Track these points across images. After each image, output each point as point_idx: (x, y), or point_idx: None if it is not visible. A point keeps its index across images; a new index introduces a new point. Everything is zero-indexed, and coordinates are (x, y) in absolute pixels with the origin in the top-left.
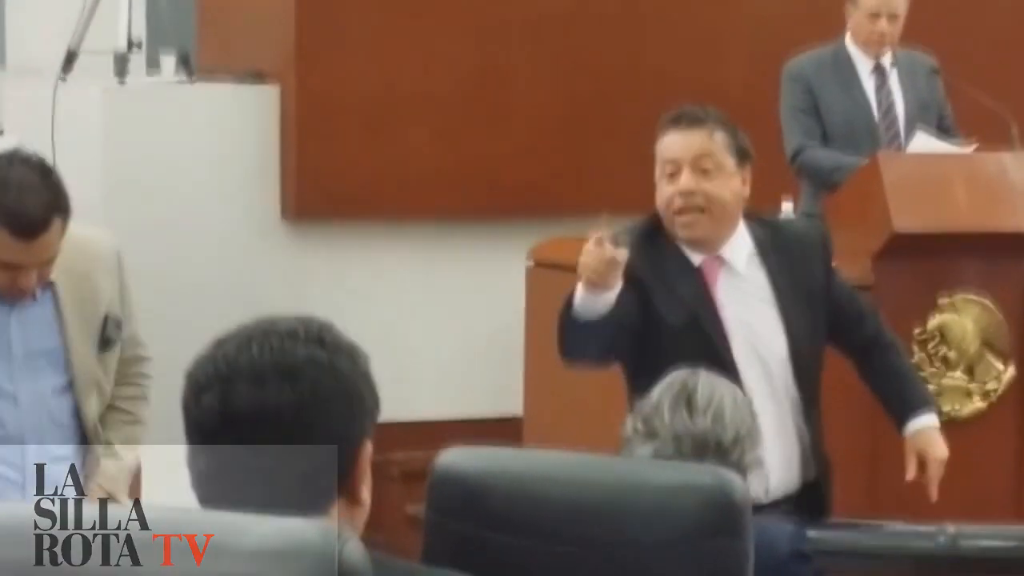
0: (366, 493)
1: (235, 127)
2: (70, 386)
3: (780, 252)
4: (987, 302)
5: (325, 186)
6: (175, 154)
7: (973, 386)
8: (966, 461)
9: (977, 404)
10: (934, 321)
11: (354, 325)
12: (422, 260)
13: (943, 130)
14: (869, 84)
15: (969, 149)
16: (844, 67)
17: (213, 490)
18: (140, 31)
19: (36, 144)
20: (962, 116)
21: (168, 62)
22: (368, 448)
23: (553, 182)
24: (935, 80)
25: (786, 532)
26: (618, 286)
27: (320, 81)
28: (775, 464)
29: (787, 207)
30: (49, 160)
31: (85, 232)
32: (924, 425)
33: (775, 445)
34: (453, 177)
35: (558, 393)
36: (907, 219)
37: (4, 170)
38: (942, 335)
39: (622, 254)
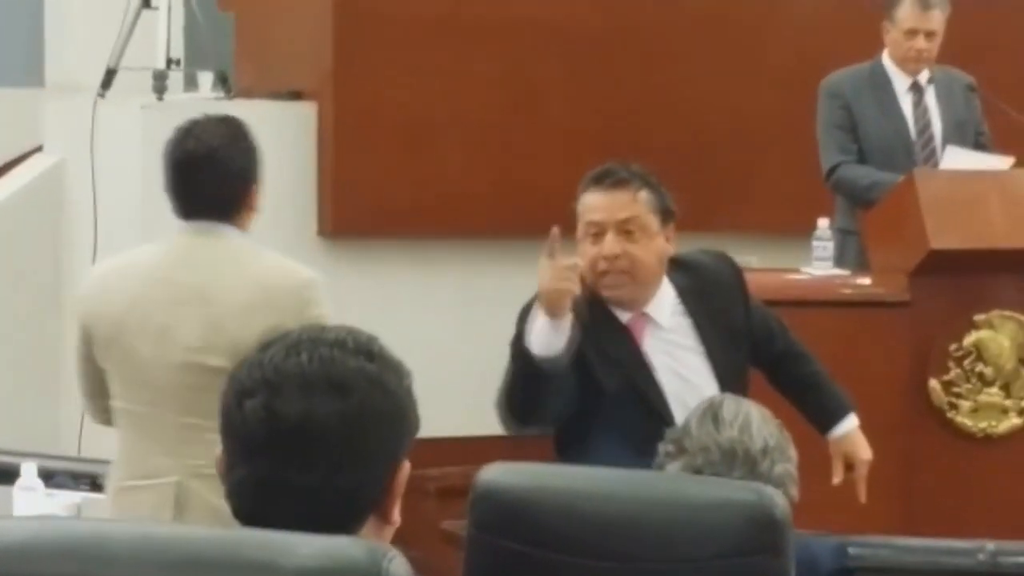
0: (397, 513)
1: (272, 144)
2: None
3: (701, 297)
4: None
5: (361, 203)
6: None
7: (1009, 403)
8: (1003, 477)
9: (1013, 420)
10: (970, 338)
11: (390, 341)
12: (458, 277)
13: (979, 147)
14: (906, 102)
15: (1004, 163)
16: (881, 84)
17: (250, 502)
18: (178, 49)
19: (75, 160)
20: (998, 134)
21: (206, 80)
22: (406, 468)
23: None
24: (972, 98)
25: (828, 548)
26: (570, 316)
27: (357, 99)
28: None
29: (823, 224)
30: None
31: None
32: (847, 429)
33: None
34: (489, 194)
35: None
36: (944, 236)
37: None
38: (978, 352)
39: (576, 265)
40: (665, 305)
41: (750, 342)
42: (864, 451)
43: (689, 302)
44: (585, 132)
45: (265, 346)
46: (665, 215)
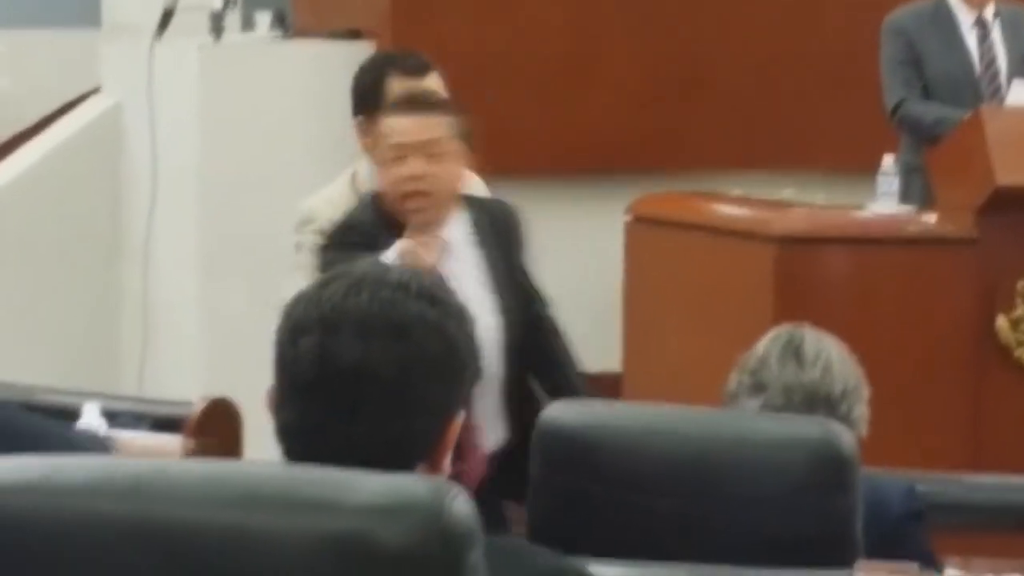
0: (447, 461)
1: (331, 84)
2: None
3: (491, 233)
4: None
5: None
6: (271, 110)
7: None
8: None
9: None
10: None
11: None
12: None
13: None
14: (971, 37)
15: None
16: (945, 20)
17: (298, 446)
18: None
19: (132, 102)
20: None
21: (263, 20)
22: (461, 416)
23: (648, 139)
24: None
25: (899, 491)
26: None
27: (415, 38)
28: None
29: (888, 161)
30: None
31: None
32: None
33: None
34: (549, 134)
35: (658, 349)
36: (1010, 173)
37: None
38: None
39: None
40: (457, 233)
41: (522, 283)
42: None
43: (480, 235)
44: (647, 72)
45: (325, 282)
46: (465, 140)
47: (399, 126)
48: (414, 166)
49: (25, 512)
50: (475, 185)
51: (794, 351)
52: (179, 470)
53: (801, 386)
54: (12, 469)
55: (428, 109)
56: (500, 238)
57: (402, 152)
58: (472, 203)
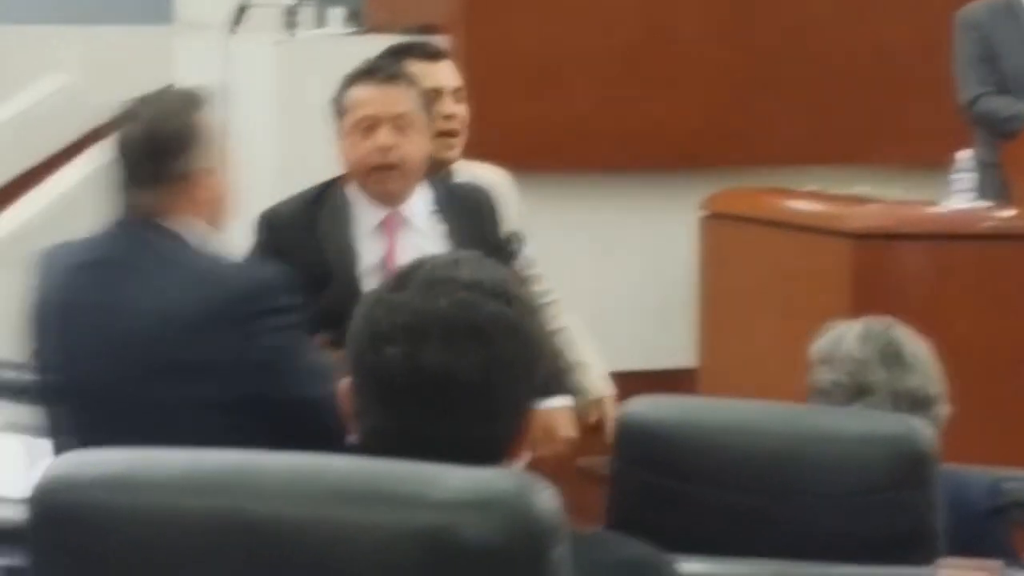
0: (522, 452)
1: None
2: None
3: (456, 209)
4: None
5: (493, 139)
6: None
7: None
8: None
9: None
10: None
11: None
12: (592, 213)
13: None
14: None
15: None
16: (1019, 14)
17: (386, 449)
18: None
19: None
20: None
21: (336, 16)
22: (535, 411)
23: (723, 134)
24: None
25: (983, 486)
26: None
27: (490, 34)
28: None
29: (963, 157)
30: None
31: None
32: (560, 404)
33: None
34: (623, 129)
35: (733, 344)
36: None
37: None
38: None
39: None
40: (420, 208)
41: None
42: (566, 429)
43: (445, 210)
44: (721, 67)
45: (397, 284)
46: (428, 114)
47: (366, 96)
48: (383, 137)
49: (111, 506)
50: (500, 179)
51: (896, 354)
52: (265, 464)
53: (908, 391)
54: (98, 463)
55: (393, 80)
56: (467, 215)
57: (370, 123)
58: (436, 184)
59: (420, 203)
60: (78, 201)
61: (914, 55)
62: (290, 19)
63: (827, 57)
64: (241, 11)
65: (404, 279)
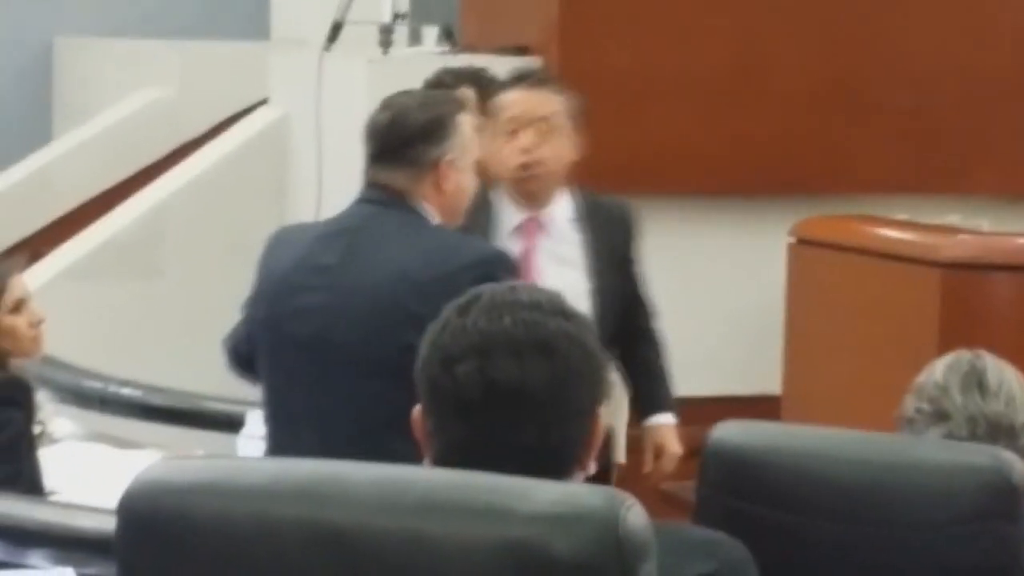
0: (591, 463)
1: None
2: None
3: (597, 221)
4: None
5: (585, 160)
6: None
7: None
8: None
9: None
10: None
11: None
12: (681, 236)
13: None
14: None
15: None
16: None
17: (464, 462)
18: (404, 3)
19: (300, 113)
20: None
21: (430, 34)
22: (601, 420)
23: (813, 160)
24: None
25: None
26: None
27: (582, 55)
28: None
29: None
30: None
31: None
32: (665, 421)
33: None
34: (713, 153)
35: (818, 372)
36: None
37: None
38: None
39: None
40: (560, 215)
41: (627, 281)
42: (675, 445)
43: (585, 220)
44: (811, 92)
45: (460, 311)
46: (576, 121)
47: (513, 100)
48: (525, 139)
49: (199, 513)
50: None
51: (977, 380)
52: (353, 474)
53: (984, 417)
54: (187, 469)
55: (540, 85)
56: (608, 227)
57: (515, 126)
58: (584, 194)
59: (560, 210)
60: (172, 212)
61: (1007, 83)
62: (385, 37)
63: (919, 84)
64: (336, 28)
65: (466, 307)
